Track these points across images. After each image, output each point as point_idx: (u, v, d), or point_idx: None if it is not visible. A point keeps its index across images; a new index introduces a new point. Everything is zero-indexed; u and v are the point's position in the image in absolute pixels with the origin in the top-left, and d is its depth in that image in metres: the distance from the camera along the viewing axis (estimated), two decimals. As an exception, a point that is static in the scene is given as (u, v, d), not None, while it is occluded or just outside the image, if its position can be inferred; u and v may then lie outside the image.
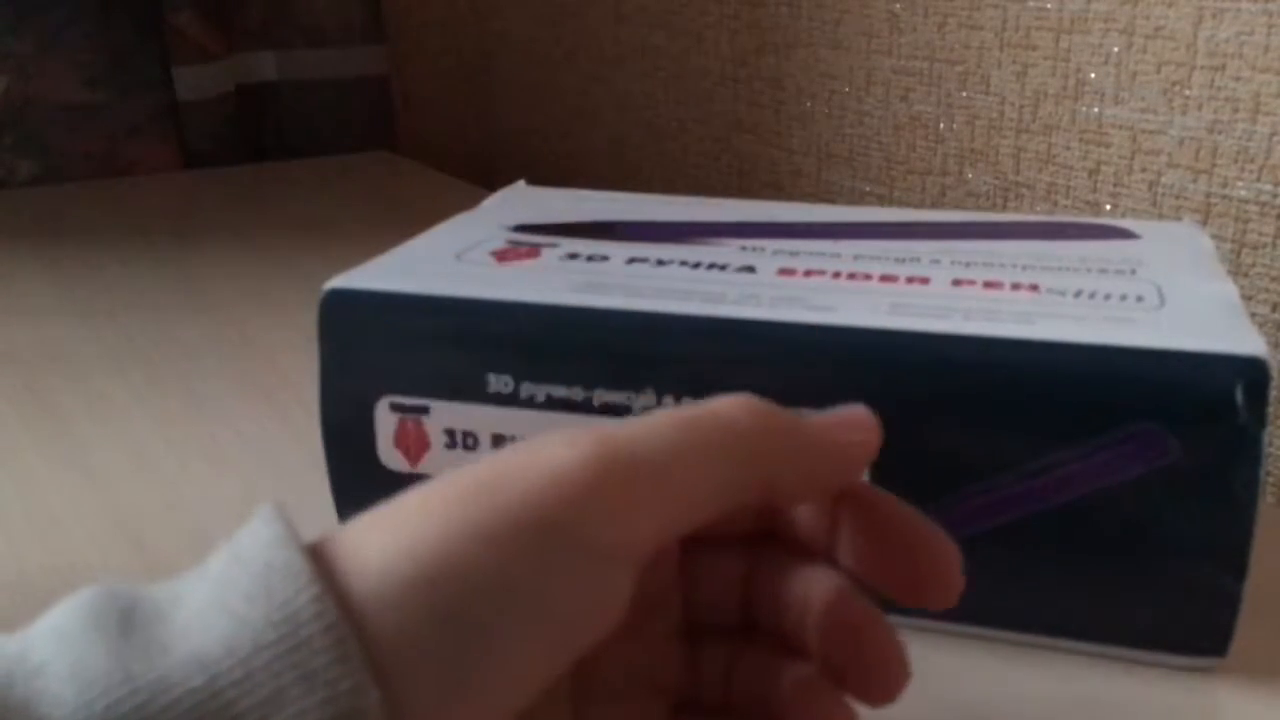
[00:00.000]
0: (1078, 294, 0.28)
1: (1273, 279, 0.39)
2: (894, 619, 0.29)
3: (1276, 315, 0.39)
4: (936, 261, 0.31)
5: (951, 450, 0.27)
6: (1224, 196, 0.40)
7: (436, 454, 0.30)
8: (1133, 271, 0.30)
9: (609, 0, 0.71)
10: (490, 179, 0.90)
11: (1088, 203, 0.45)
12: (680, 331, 0.28)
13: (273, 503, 0.17)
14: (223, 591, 0.15)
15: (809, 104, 0.58)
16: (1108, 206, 0.44)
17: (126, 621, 0.15)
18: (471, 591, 0.16)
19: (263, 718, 0.14)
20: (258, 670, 0.14)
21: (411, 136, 1.00)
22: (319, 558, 0.16)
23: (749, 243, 0.33)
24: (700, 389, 0.28)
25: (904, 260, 0.32)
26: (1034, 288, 0.29)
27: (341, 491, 0.32)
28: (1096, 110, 0.44)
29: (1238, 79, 0.39)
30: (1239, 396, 0.25)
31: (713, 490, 0.18)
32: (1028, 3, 0.45)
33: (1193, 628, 0.27)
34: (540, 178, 0.83)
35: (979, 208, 0.50)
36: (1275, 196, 0.38)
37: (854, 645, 0.20)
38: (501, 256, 0.33)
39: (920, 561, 0.20)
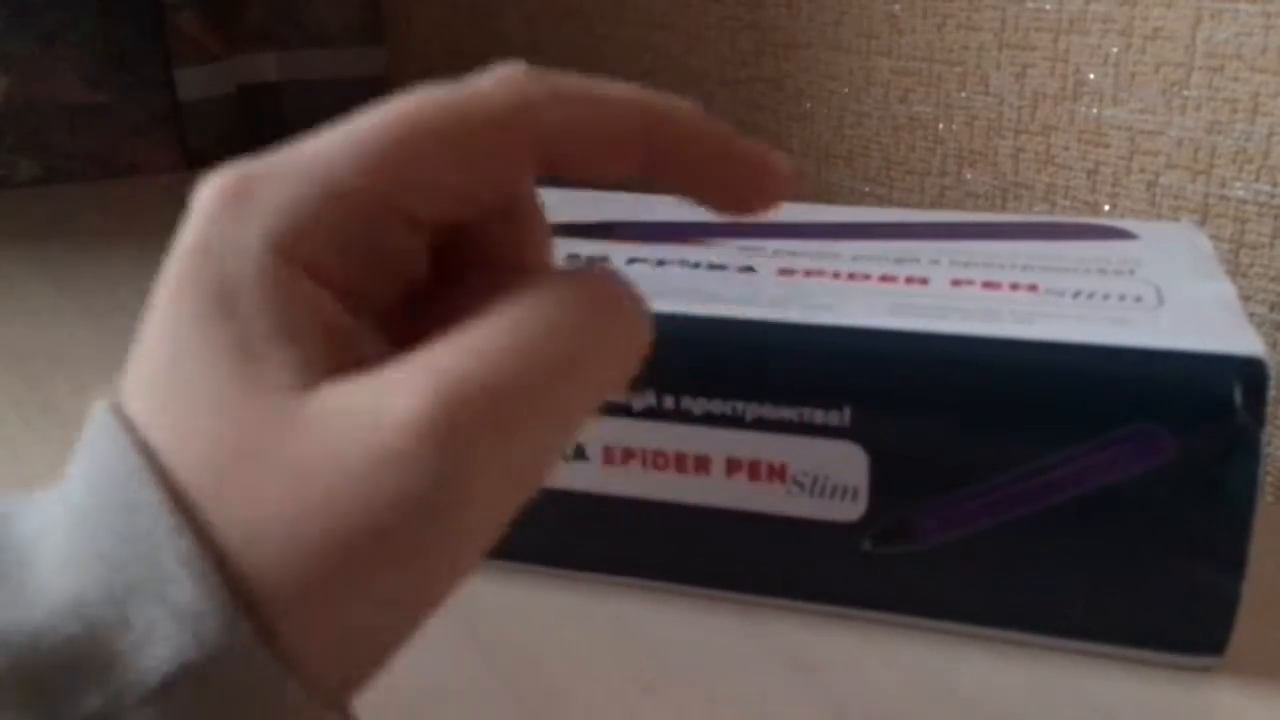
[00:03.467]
0: (1076, 294, 0.29)
1: (1271, 279, 0.39)
2: (889, 616, 0.29)
3: (1274, 315, 0.39)
4: (936, 262, 0.31)
5: (951, 450, 0.27)
6: (1222, 197, 0.40)
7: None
8: (1131, 272, 0.30)
9: (609, 1, 0.71)
10: (490, 179, 0.90)
11: (1086, 203, 0.45)
12: (680, 331, 0.28)
13: (109, 409, 0.17)
14: (87, 535, 0.15)
15: (808, 105, 0.58)
16: (1106, 207, 0.45)
17: None
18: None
19: (136, 654, 0.14)
20: (131, 613, 0.14)
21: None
22: (174, 488, 0.15)
23: (748, 243, 0.33)
24: (700, 389, 0.28)
25: (903, 260, 0.32)
26: (1033, 288, 0.29)
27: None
28: (1095, 111, 0.44)
29: (1236, 80, 0.39)
30: (1237, 396, 0.25)
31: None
32: (1026, 4, 0.46)
33: (1191, 627, 0.27)
34: (540, 178, 0.83)
35: (978, 208, 0.50)
36: (1273, 197, 0.39)
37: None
38: (502, 257, 0.33)
39: (743, 172, 0.19)
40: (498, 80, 0.18)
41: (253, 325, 0.16)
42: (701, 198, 0.19)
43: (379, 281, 0.18)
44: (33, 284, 0.60)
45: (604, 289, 0.18)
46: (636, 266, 0.31)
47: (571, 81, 0.18)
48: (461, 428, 0.15)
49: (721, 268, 0.31)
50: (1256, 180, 0.39)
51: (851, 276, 0.30)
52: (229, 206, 0.17)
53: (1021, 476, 0.26)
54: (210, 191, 0.18)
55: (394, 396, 0.15)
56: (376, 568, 0.15)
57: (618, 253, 0.33)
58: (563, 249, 0.33)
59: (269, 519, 0.15)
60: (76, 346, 0.51)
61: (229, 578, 0.15)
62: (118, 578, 0.15)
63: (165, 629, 0.14)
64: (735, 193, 0.19)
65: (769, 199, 0.19)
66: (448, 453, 0.15)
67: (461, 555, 0.16)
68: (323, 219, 0.17)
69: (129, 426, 0.16)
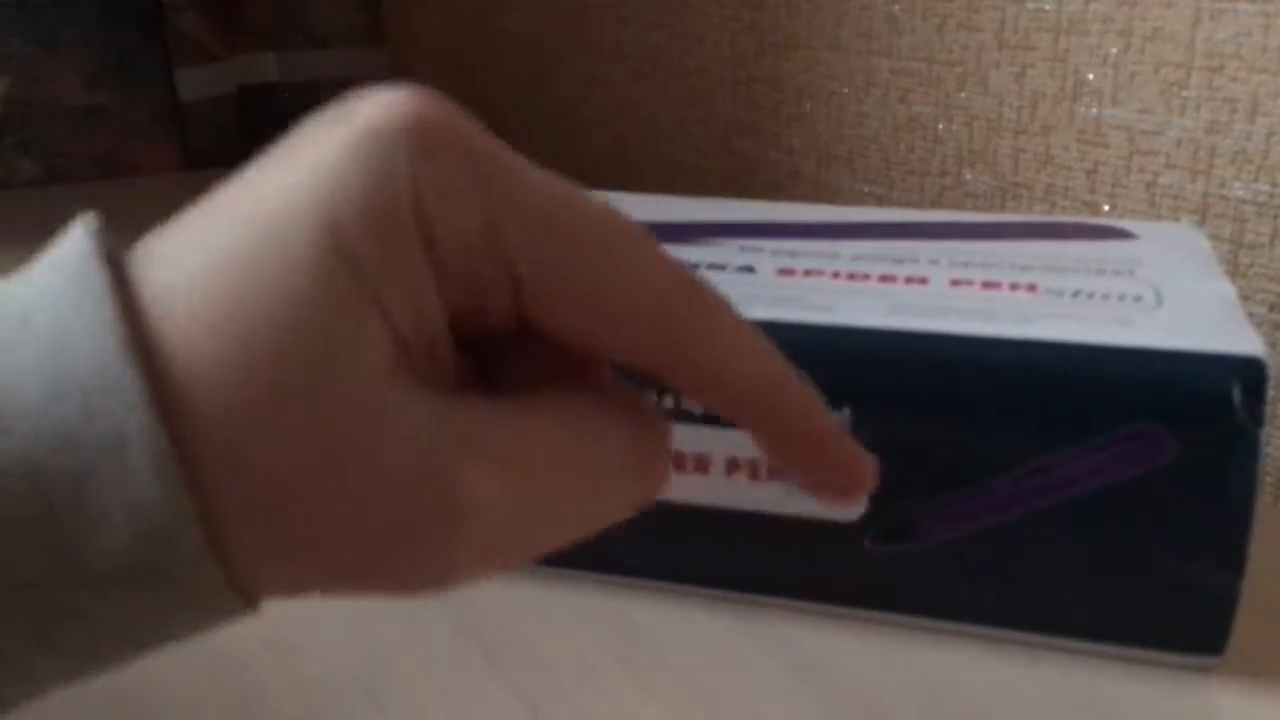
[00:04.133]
0: (1076, 294, 0.29)
1: (1270, 279, 0.39)
2: (889, 616, 0.29)
3: (1273, 315, 0.39)
4: (935, 262, 0.31)
5: (950, 450, 0.27)
6: (1221, 197, 0.40)
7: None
8: (1131, 272, 0.30)
9: (609, 2, 0.71)
10: (491, 180, 0.90)
11: (1086, 203, 0.45)
12: (680, 331, 0.28)
13: (94, 232, 0.16)
14: (52, 396, 0.14)
15: (808, 105, 0.58)
16: (1106, 207, 0.45)
17: None
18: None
19: (84, 537, 0.14)
20: (86, 494, 0.14)
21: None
22: (145, 352, 0.15)
23: (748, 243, 0.34)
24: (700, 389, 0.28)
25: (903, 261, 0.32)
26: (1032, 288, 0.29)
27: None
28: (1095, 111, 0.44)
29: (1235, 80, 0.39)
30: (1236, 396, 0.25)
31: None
32: (1026, 4, 0.46)
33: (1191, 626, 0.27)
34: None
35: (977, 208, 0.50)
36: (1272, 197, 0.39)
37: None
38: (502, 257, 0.33)
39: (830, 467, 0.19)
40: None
41: (376, 304, 0.16)
42: (780, 463, 0.20)
43: (482, 314, 0.17)
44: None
45: (648, 427, 0.19)
46: (636, 267, 0.31)
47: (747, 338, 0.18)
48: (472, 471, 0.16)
49: (721, 268, 0.31)
50: (1255, 180, 0.39)
51: (851, 276, 0.30)
52: (441, 165, 0.16)
53: (1021, 476, 0.26)
54: (396, 114, 0.16)
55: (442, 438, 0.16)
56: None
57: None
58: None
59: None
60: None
61: (188, 474, 0.15)
62: (78, 455, 0.14)
63: (117, 521, 0.14)
64: (815, 478, 0.19)
65: (848, 497, 0.19)
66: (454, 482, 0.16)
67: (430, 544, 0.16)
68: (495, 239, 0.17)
69: (130, 306, 0.15)
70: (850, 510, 0.28)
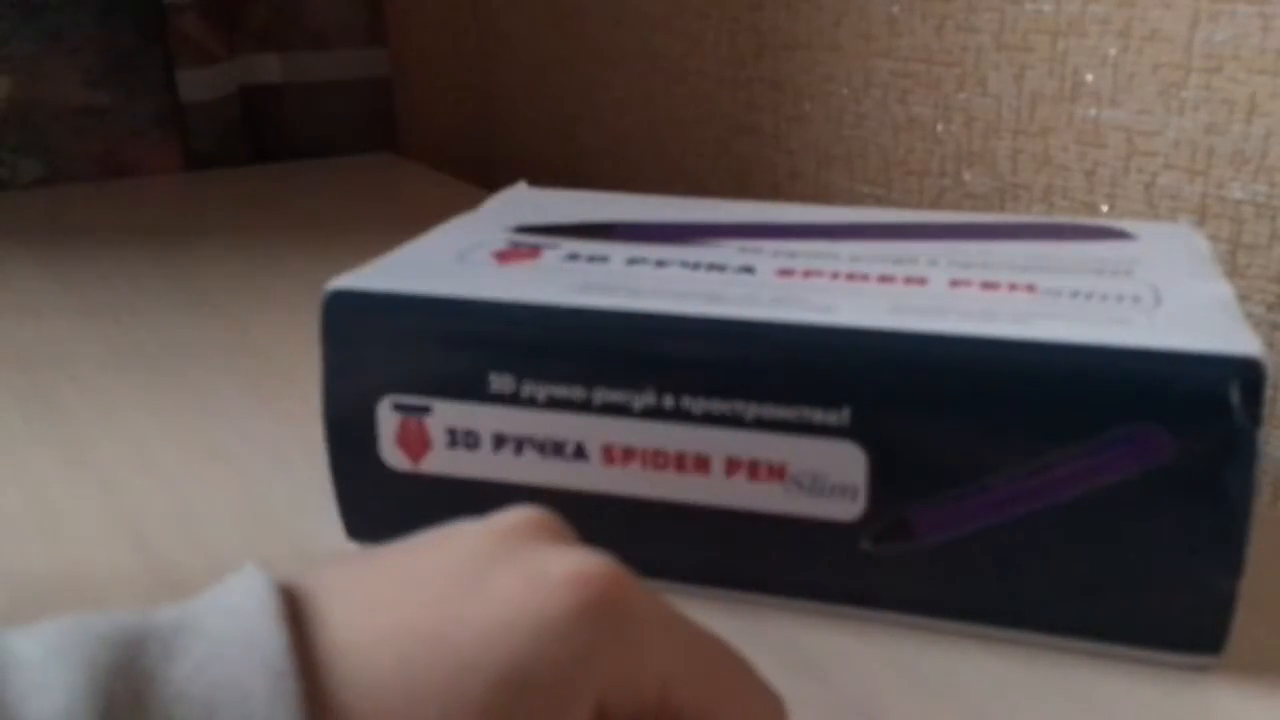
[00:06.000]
0: (1074, 294, 0.29)
1: (1268, 279, 0.39)
2: (888, 616, 0.29)
3: (1272, 315, 0.39)
4: (934, 262, 0.32)
5: (949, 450, 0.27)
6: (1220, 198, 0.40)
7: (438, 453, 0.31)
8: (1129, 272, 0.30)
9: (609, 3, 0.71)
10: (491, 180, 0.90)
11: (1084, 204, 0.45)
12: (680, 331, 0.28)
13: (278, 614, 0.16)
14: None
15: (807, 106, 0.58)
16: (1104, 208, 0.45)
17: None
18: None
19: None
20: None
21: (413, 138, 1.00)
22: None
23: (748, 243, 0.34)
24: (700, 389, 0.28)
25: (902, 261, 0.32)
26: (1031, 288, 0.29)
27: (344, 490, 0.32)
28: (1093, 112, 0.44)
29: (1234, 81, 0.39)
30: (1234, 396, 0.25)
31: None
32: (1025, 5, 0.46)
33: (1189, 626, 0.27)
34: (541, 179, 0.83)
35: (976, 209, 0.50)
36: (1271, 198, 0.39)
37: None
38: (503, 257, 0.33)
39: None
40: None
41: None
42: None
43: None
44: (35, 284, 0.60)
45: None
46: (636, 267, 0.32)
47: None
48: None
49: (721, 268, 0.31)
50: (1254, 181, 0.39)
51: (850, 277, 0.30)
52: (610, 651, 0.18)
53: (1020, 476, 0.27)
54: (591, 594, 0.18)
55: None
56: None
57: (618, 253, 0.33)
58: (563, 249, 0.33)
59: None
60: (78, 346, 0.51)
61: None
62: None
63: None
64: None
65: None
66: None
67: None
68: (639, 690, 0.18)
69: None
70: (848, 510, 0.28)
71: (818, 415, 0.27)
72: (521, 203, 0.39)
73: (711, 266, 0.32)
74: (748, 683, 0.20)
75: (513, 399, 0.30)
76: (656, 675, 0.18)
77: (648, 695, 0.18)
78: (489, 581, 0.18)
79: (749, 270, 0.31)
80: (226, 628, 0.16)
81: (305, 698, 0.15)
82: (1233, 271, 0.40)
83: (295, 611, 0.17)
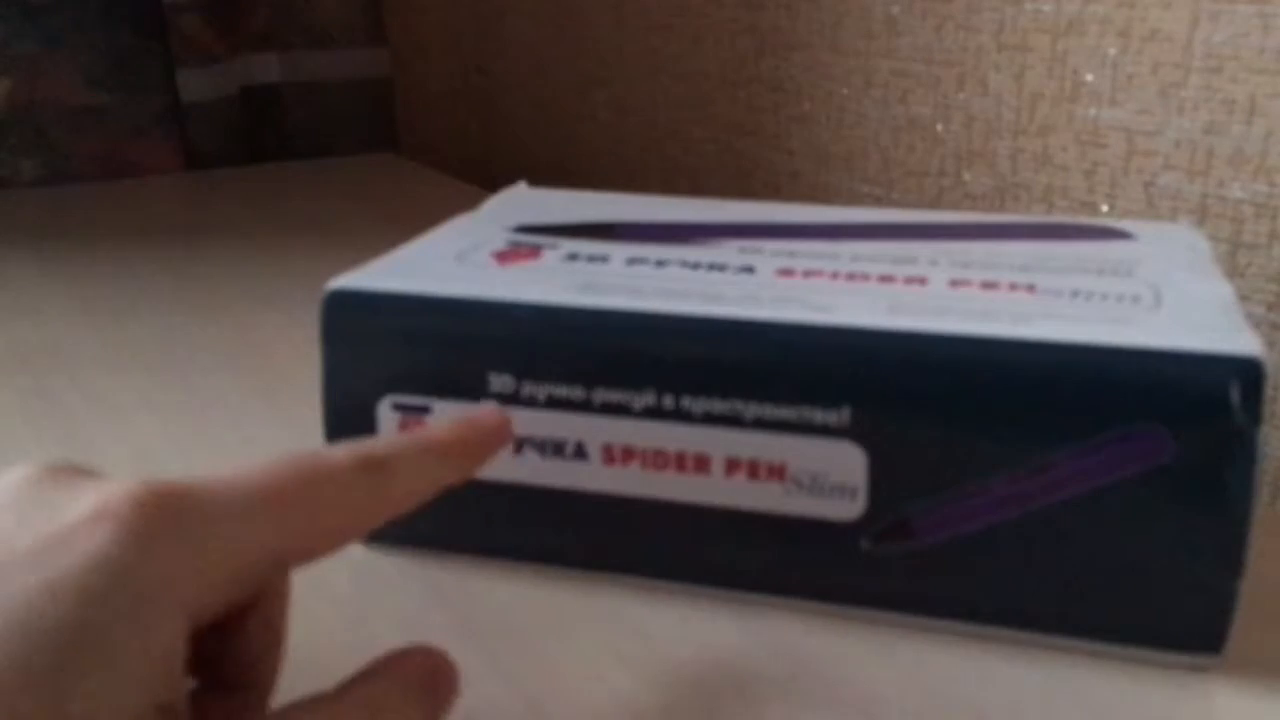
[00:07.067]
0: (1074, 294, 0.29)
1: (1268, 279, 0.39)
2: (888, 615, 0.29)
3: (1272, 315, 0.39)
4: (934, 262, 0.32)
5: (949, 450, 0.27)
6: (1220, 197, 0.40)
7: (438, 453, 0.31)
8: (1129, 272, 0.30)
9: (609, 3, 0.71)
10: (491, 180, 0.90)
11: (1084, 204, 0.45)
12: (680, 331, 0.28)
13: None
14: None
15: (808, 106, 0.58)
16: (1104, 208, 0.45)
17: None
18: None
19: None
20: None
21: (413, 138, 1.00)
22: None
23: (748, 243, 0.34)
24: (700, 389, 0.28)
25: (902, 261, 0.32)
26: (1031, 288, 0.29)
27: (344, 490, 0.32)
28: (1093, 112, 0.44)
29: (1233, 81, 0.39)
30: (1234, 396, 0.25)
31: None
32: (1024, 5, 0.46)
33: (1189, 626, 0.27)
34: (541, 179, 0.83)
35: (976, 209, 0.50)
36: (1270, 197, 0.39)
37: None
38: (502, 257, 0.33)
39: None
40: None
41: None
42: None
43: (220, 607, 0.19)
44: (35, 284, 0.60)
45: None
46: (636, 267, 0.32)
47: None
48: None
49: (721, 268, 0.31)
50: (1254, 181, 0.39)
51: (850, 277, 0.30)
52: (159, 538, 0.18)
53: (1019, 476, 0.27)
54: (133, 509, 0.18)
55: None
56: None
57: (618, 253, 0.33)
58: (563, 249, 0.33)
59: None
60: (79, 346, 0.51)
61: None
62: None
63: None
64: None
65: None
66: None
67: None
68: (233, 574, 0.18)
69: None
70: (848, 510, 0.28)
71: (818, 415, 0.27)
72: (521, 203, 0.39)
73: (711, 266, 0.32)
74: (333, 494, 0.21)
75: (512, 399, 0.30)
76: (239, 553, 0.18)
77: (245, 575, 0.18)
78: (17, 552, 0.17)
79: (749, 270, 0.31)
80: None
81: None
82: (1233, 271, 0.40)
83: None
